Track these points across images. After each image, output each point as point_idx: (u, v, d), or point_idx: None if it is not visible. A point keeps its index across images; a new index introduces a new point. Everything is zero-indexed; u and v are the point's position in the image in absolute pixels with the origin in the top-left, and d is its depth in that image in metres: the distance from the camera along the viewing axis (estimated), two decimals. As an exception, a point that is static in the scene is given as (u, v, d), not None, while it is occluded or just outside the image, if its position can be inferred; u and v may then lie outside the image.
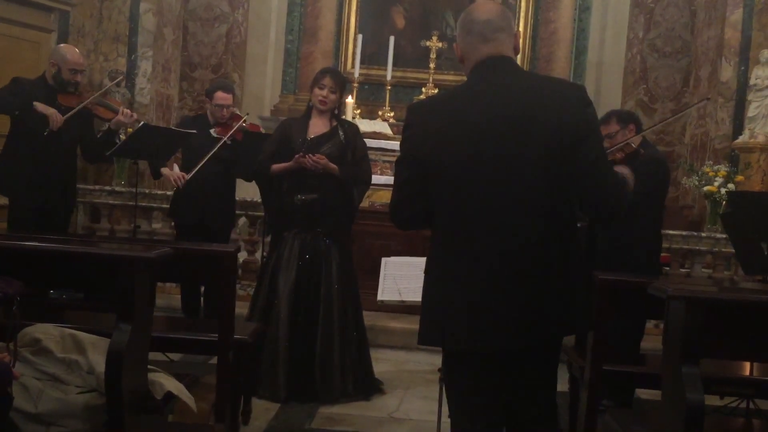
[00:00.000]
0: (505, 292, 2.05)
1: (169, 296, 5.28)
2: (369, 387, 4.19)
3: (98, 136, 4.75)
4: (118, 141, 4.72)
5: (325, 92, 4.11)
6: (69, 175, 4.64)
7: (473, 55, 2.17)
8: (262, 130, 5.04)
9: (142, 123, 4.78)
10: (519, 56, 3.08)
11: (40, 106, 4.31)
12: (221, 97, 4.62)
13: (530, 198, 2.07)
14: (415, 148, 2.16)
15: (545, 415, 2.18)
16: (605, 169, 2.14)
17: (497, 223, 2.07)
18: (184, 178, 4.49)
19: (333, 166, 4.04)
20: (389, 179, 7.35)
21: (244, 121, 4.61)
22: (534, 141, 2.05)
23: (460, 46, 2.21)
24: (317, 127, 4.15)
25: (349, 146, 4.17)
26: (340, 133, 4.15)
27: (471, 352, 2.11)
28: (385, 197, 7.16)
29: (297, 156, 4.01)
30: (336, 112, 4.21)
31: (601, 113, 4.56)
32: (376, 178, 7.31)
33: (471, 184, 2.08)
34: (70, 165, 4.65)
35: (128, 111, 4.69)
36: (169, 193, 6.29)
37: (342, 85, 4.20)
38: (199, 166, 4.45)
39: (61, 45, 5.00)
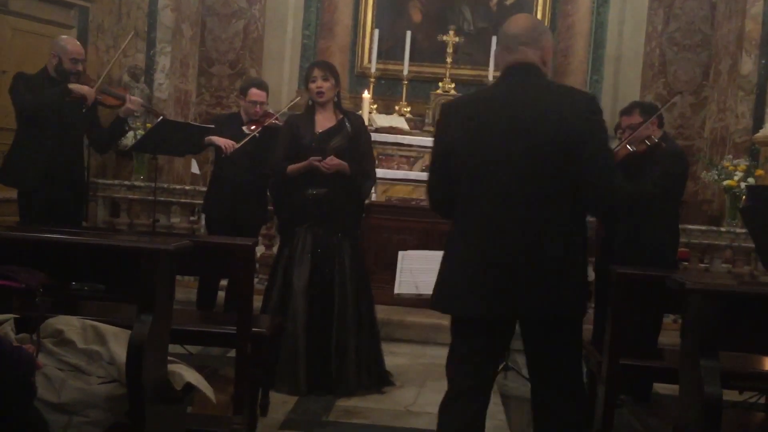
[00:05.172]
0: (510, 272, 2.31)
1: (187, 290, 5.33)
2: (381, 380, 4.21)
3: (108, 126, 4.78)
4: (127, 128, 4.76)
5: (318, 82, 4.12)
6: (78, 167, 4.67)
7: (502, 62, 2.51)
8: None
9: (161, 118, 4.81)
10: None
11: (75, 87, 4.37)
12: (255, 93, 4.63)
13: (538, 191, 2.31)
14: (445, 141, 2.48)
15: (569, 382, 2.41)
16: (607, 172, 2.33)
17: (509, 212, 2.33)
18: (233, 146, 4.49)
19: (344, 164, 4.03)
20: (407, 174, 7.35)
21: (276, 119, 4.62)
22: (542, 139, 2.31)
23: (496, 53, 2.60)
24: (323, 121, 4.15)
25: (358, 137, 4.16)
26: (347, 124, 4.15)
27: (474, 318, 2.40)
28: (402, 192, 7.15)
29: (311, 159, 4.01)
30: (336, 99, 4.20)
31: (619, 107, 4.54)
32: (393, 173, 7.34)
33: (487, 176, 2.36)
34: (79, 156, 4.68)
35: (135, 98, 4.70)
36: (188, 188, 6.36)
37: (332, 71, 4.18)
38: (243, 142, 4.48)
39: (61, 36, 5.01)
